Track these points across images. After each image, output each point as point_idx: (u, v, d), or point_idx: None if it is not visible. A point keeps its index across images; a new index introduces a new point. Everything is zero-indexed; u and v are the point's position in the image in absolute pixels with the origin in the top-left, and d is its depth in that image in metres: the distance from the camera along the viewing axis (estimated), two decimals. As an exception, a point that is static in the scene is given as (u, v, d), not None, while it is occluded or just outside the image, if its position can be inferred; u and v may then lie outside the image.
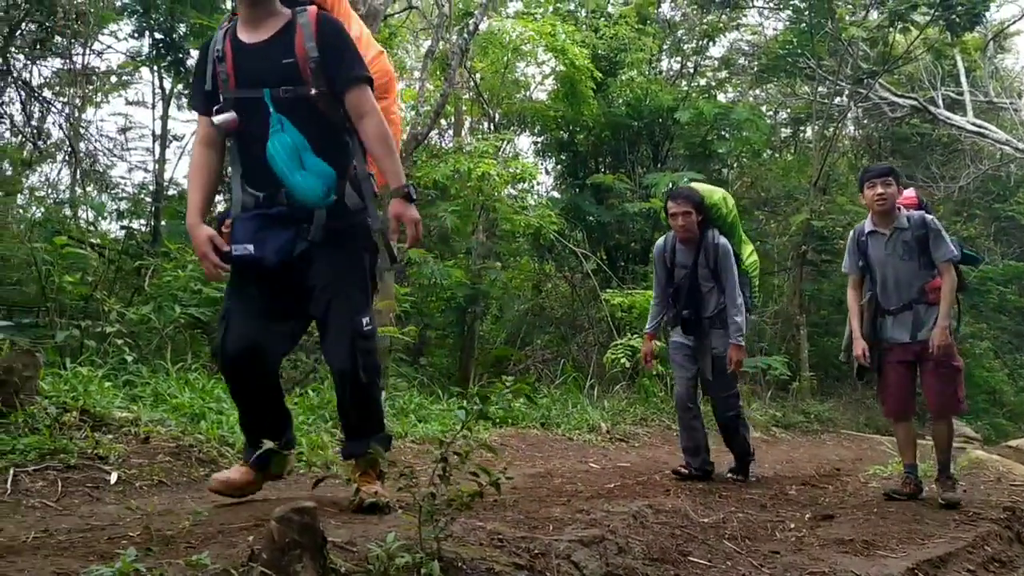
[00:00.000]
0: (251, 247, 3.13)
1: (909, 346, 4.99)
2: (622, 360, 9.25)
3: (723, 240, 5.49)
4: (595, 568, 2.85)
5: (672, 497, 4.55)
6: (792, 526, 4.31)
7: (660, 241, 5.79)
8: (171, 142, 9.91)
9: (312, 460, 4.62)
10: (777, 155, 18.19)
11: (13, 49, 8.42)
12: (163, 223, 8.57)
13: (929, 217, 5.04)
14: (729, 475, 5.69)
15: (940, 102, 16.32)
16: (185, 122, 31.65)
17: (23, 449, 3.64)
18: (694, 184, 5.93)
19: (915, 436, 5.32)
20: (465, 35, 9.98)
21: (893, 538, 4.10)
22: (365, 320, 3.23)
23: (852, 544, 3.93)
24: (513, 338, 12.23)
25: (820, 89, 15.76)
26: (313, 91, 3.15)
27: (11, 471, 3.43)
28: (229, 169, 3.46)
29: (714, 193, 5.63)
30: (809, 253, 14.40)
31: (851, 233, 5.34)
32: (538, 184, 13.63)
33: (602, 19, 13.42)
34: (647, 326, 5.90)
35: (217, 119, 3.18)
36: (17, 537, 2.67)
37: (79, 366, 5.04)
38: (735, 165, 16.32)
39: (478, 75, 13.63)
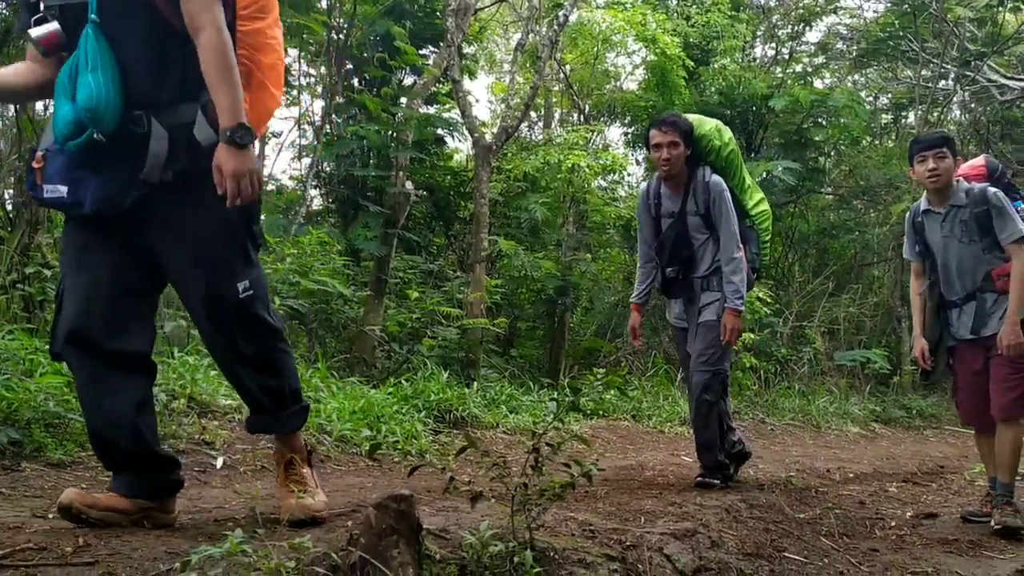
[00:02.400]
0: (63, 188, 2.51)
1: (976, 342, 4.22)
2: (714, 352, 9.10)
3: (716, 178, 4.51)
4: (688, 561, 2.83)
5: (766, 492, 4.47)
6: (892, 524, 4.20)
7: (643, 185, 4.87)
8: (269, 139, 10.21)
9: (407, 449, 4.71)
10: (877, 142, 17.57)
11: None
12: (263, 217, 8.84)
13: (992, 191, 4.17)
14: (699, 479, 4.51)
15: (1054, 83, 15.47)
16: (283, 119, 32.55)
17: (136, 434, 3.82)
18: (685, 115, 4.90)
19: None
20: (555, 27, 9.96)
21: (1000, 539, 3.94)
22: (242, 285, 2.63)
23: (957, 544, 3.80)
24: (603, 330, 12.17)
25: (924, 73, 15.14)
26: None
27: (125, 455, 3.61)
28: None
29: (705, 123, 4.68)
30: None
31: (907, 214, 4.59)
32: (628, 175, 13.51)
33: (694, 7, 13.20)
34: (633, 294, 4.94)
35: (35, 32, 2.53)
36: (132, 517, 2.81)
37: (186, 355, 5.26)
38: (832, 153, 15.83)
39: (568, 67, 13.60)
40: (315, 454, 4.23)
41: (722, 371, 4.53)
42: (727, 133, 4.67)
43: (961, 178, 4.31)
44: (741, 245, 4.48)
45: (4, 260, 6.10)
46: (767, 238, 4.86)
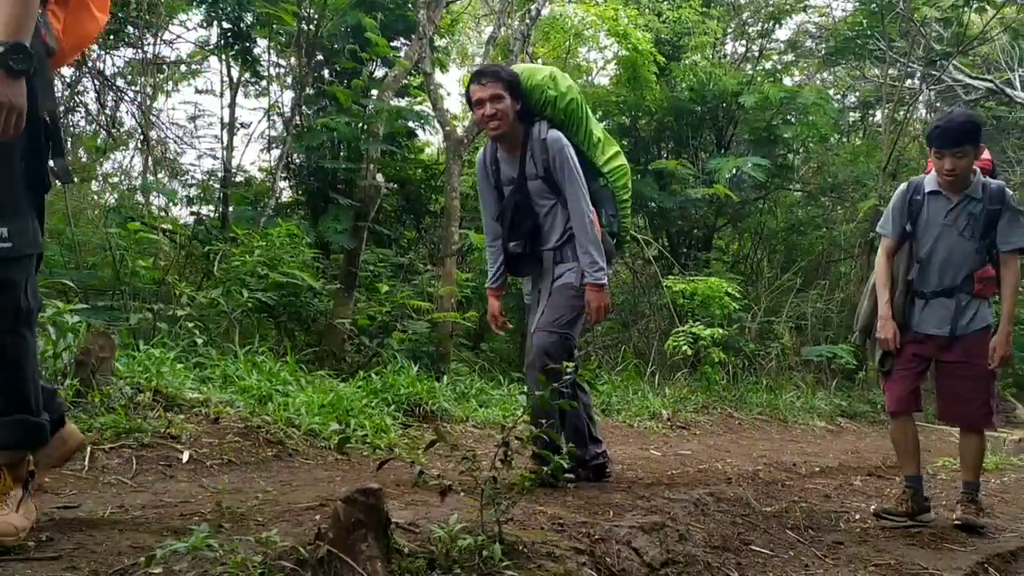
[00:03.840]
0: None
1: (939, 340, 4.05)
2: (684, 347, 9.16)
3: (554, 133, 3.93)
4: (655, 554, 2.85)
5: (734, 485, 4.51)
6: (857, 517, 4.26)
7: (480, 153, 4.26)
8: (238, 129, 10.09)
9: (376, 443, 4.70)
10: (845, 140, 17.76)
11: (88, 40, 8.65)
12: (231, 209, 8.75)
13: (1011, 194, 3.99)
14: (569, 477, 3.95)
15: (1017, 84, 15.72)
16: (252, 110, 32.33)
17: (100, 428, 3.78)
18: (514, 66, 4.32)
19: (917, 439, 4.23)
20: (527, 20, 9.94)
21: (961, 532, 4.01)
22: None
23: (919, 536, 3.86)
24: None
25: (891, 71, 15.32)
26: None
27: (88, 449, 3.56)
28: None
29: (537, 72, 4.06)
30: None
31: (903, 186, 4.22)
32: (599, 170, 13.54)
33: (665, 3, 13.25)
34: (488, 278, 4.36)
35: None
36: (95, 512, 2.78)
37: (152, 348, 5.20)
38: (801, 150, 15.96)
39: (540, 61, 13.59)
40: (283, 447, 4.21)
41: (570, 337, 3.95)
42: (565, 81, 4.08)
43: (978, 168, 4.05)
44: (592, 207, 3.94)
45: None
46: (626, 196, 4.30)
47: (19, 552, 2.18)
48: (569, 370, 3.03)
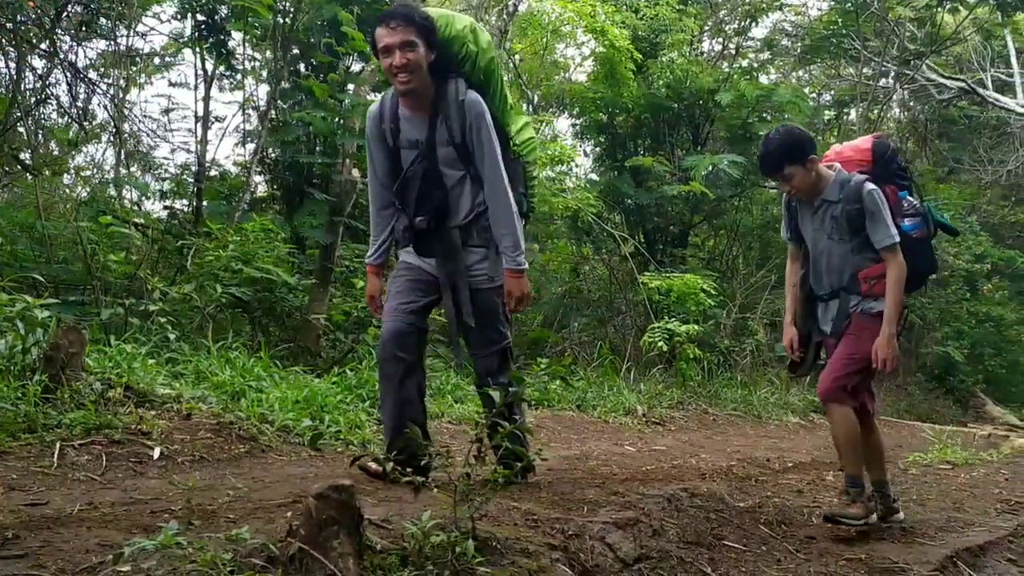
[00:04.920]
0: None
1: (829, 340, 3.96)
2: (659, 343, 9.21)
3: (474, 96, 3.46)
4: (629, 550, 2.86)
5: (707, 481, 4.54)
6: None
7: (374, 107, 3.67)
8: (213, 123, 9.96)
9: (349, 439, 4.67)
10: (820, 138, 17.91)
11: (59, 31, 8.54)
12: (205, 203, 8.67)
13: (868, 188, 3.74)
14: (374, 465, 3.50)
15: (989, 84, 15.93)
16: (226, 103, 32.04)
17: (69, 424, 3.73)
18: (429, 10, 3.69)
19: (858, 434, 3.92)
20: (504, 16, 9.94)
21: (932, 526, 4.06)
22: None
23: (889, 531, 3.90)
24: (550, 320, 12.22)
25: (865, 70, 15.47)
26: None
27: (58, 445, 3.52)
28: None
29: (457, 20, 3.57)
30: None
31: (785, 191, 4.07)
32: (577, 166, 13.53)
33: (642, 0, 13.29)
34: (368, 253, 3.91)
35: None
36: (63, 509, 2.74)
37: (123, 343, 5.14)
38: (777, 148, 16.10)
39: (517, 56, 13.58)
40: (256, 443, 4.18)
41: (507, 344, 3.70)
42: (484, 36, 3.62)
43: (839, 165, 3.91)
44: (508, 182, 3.54)
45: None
46: (535, 173, 3.97)
47: (-16, 550, 2.15)
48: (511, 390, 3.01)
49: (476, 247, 3.59)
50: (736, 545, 3.31)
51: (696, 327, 9.46)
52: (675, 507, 3.50)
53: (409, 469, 2.76)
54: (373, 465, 3.44)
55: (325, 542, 1.97)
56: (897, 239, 3.72)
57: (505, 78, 3.76)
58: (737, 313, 11.87)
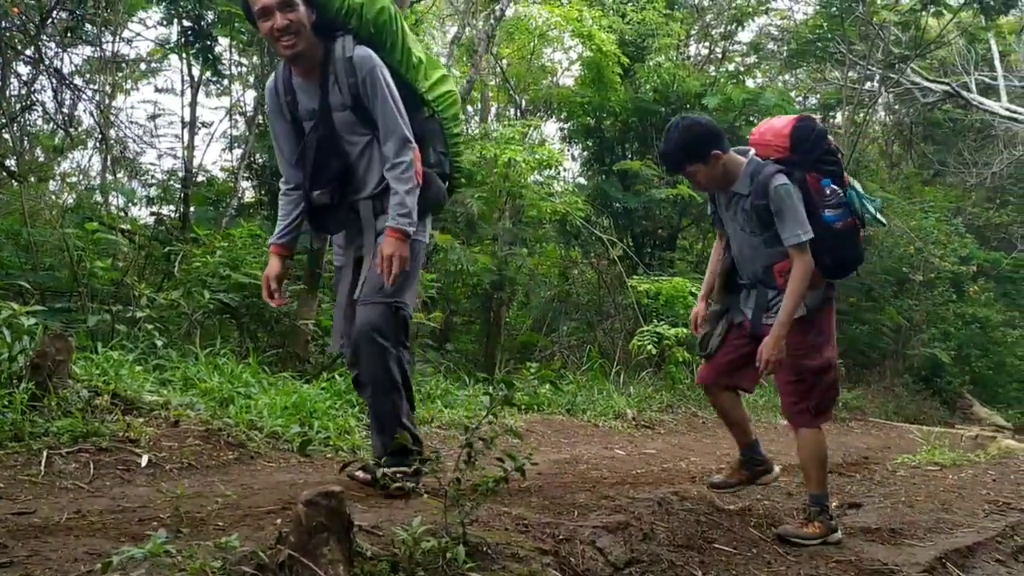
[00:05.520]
0: None
1: (753, 328, 3.71)
2: (648, 347, 9.22)
3: (362, 51, 3.20)
4: (620, 554, 2.86)
5: (698, 484, 4.54)
6: (819, 514, 4.29)
7: (271, 80, 3.43)
8: (199, 129, 9.97)
9: (339, 444, 4.66)
10: (806, 141, 17.98)
11: (44, 37, 8.50)
12: (192, 209, 8.65)
13: (776, 184, 3.46)
14: (361, 474, 3.39)
15: (973, 87, 16.05)
16: (213, 109, 31.97)
17: (56, 432, 3.71)
18: None
19: (735, 409, 3.97)
20: (492, 21, 9.95)
21: (920, 527, 4.07)
22: None
23: (879, 533, 3.92)
24: (539, 324, 12.23)
25: (850, 74, 15.56)
26: None
27: (45, 453, 3.50)
28: None
29: None
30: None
31: None
32: (564, 170, 13.59)
33: (629, 4, 13.33)
34: (275, 232, 3.54)
35: None
36: (51, 518, 2.72)
37: (110, 350, 5.11)
38: (764, 151, 16.16)
39: (504, 61, 13.60)
40: (244, 450, 4.16)
41: (403, 307, 3.28)
42: None
43: (753, 153, 3.64)
44: (413, 141, 3.24)
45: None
46: (456, 130, 3.60)
47: (-29, 560, 2.13)
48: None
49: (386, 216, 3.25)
50: (726, 548, 3.31)
51: (685, 330, 9.48)
52: (665, 510, 3.51)
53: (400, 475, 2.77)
54: (361, 473, 3.34)
55: (315, 549, 1.96)
56: (804, 238, 3.44)
57: (407, 28, 3.42)
58: (725, 316, 11.88)
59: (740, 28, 15.87)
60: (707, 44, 16.14)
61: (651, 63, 12.89)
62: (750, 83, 15.90)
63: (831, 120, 18.61)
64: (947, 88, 15.93)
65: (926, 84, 16.27)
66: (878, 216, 3.74)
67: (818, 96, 18.50)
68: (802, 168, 3.55)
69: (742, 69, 16.16)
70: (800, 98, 18.20)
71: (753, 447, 4.06)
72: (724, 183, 3.63)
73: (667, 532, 3.22)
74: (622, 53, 12.14)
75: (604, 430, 7.36)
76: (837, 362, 3.76)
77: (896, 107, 18.79)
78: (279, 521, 2.56)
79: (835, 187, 3.59)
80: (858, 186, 3.75)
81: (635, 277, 10.70)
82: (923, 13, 14.23)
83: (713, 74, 14.66)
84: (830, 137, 3.71)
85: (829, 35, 14.83)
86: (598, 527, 2.96)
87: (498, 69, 13.43)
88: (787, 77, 18.21)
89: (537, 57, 13.40)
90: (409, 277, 3.27)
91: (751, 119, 13.54)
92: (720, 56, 16.01)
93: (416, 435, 3.24)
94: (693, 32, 15.55)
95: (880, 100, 17.17)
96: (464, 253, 9.53)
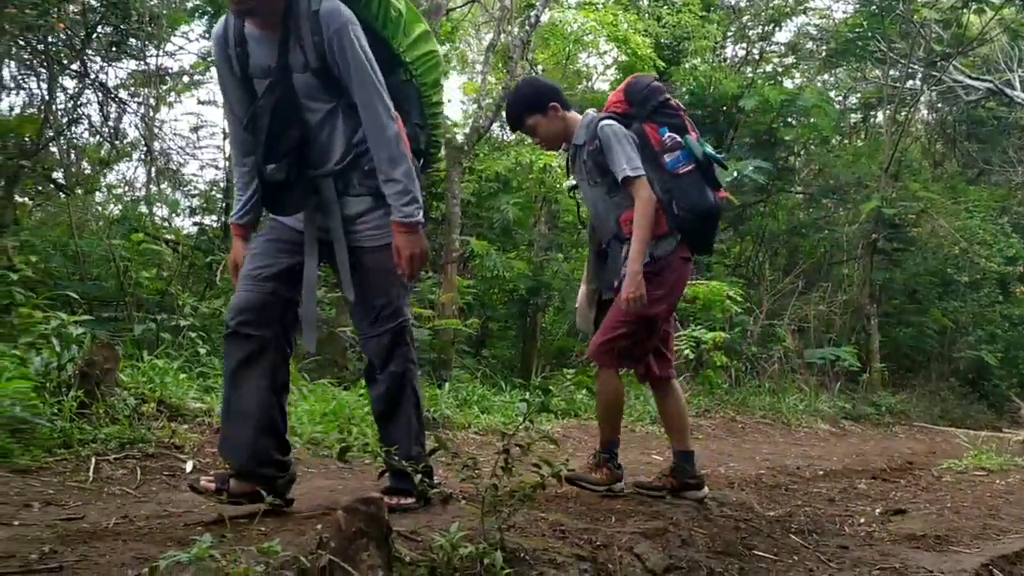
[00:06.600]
0: None
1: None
2: (685, 351, 9.17)
3: (331, 4, 2.71)
4: (658, 560, 2.85)
5: (736, 490, 4.51)
6: (862, 520, 4.25)
7: (219, 26, 2.89)
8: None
9: (378, 451, 4.70)
10: (846, 141, 17.77)
11: (90, 52, 8.70)
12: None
13: (605, 123, 3.55)
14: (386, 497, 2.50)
15: (1017, 84, 15.72)
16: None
17: (104, 438, 3.80)
18: None
19: (619, 401, 3.87)
20: (527, 27, 9.98)
21: (967, 533, 4.00)
22: None
23: (924, 539, 3.85)
24: (575, 330, 12.20)
25: (891, 73, 15.35)
26: None
27: (93, 460, 3.59)
28: None
29: None
30: (880, 241, 14.07)
31: None
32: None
33: (665, 7, 13.28)
34: (234, 209, 3.10)
35: None
36: (99, 523, 2.79)
37: (155, 358, 5.21)
38: (802, 152, 15.99)
39: (540, 67, 13.62)
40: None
41: (405, 322, 2.93)
42: None
43: (592, 111, 3.74)
44: (395, 113, 2.77)
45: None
46: (436, 98, 3.11)
47: (22, 564, 2.19)
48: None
49: (359, 196, 2.83)
50: (767, 555, 3.29)
51: (722, 334, 9.42)
52: (704, 516, 3.49)
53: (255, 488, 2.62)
54: (204, 481, 2.85)
55: (355, 554, 1.99)
56: (632, 173, 3.47)
57: None
58: (764, 320, 11.80)
59: (777, 28, 15.73)
60: (744, 45, 16.02)
61: (687, 66, 12.84)
62: (788, 84, 15.76)
63: (872, 120, 18.37)
64: (990, 85, 15.63)
65: (969, 82, 15.98)
66: (717, 157, 3.71)
67: (858, 95, 18.27)
68: (639, 119, 3.65)
69: (780, 70, 16.03)
70: (840, 97, 17.98)
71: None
72: (564, 138, 3.72)
73: (706, 538, 3.21)
74: (658, 56, 12.10)
75: (641, 435, 7.33)
76: (664, 320, 3.68)
77: (939, 105, 18.47)
78: (320, 526, 2.60)
79: (672, 134, 3.62)
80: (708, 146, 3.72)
81: (672, 281, 10.62)
82: (965, 10, 14.01)
83: (750, 75, 14.55)
84: (668, 95, 3.77)
85: (869, 33, 14.65)
86: (636, 533, 2.95)
87: (533, 75, 13.46)
88: (826, 77, 18.00)
89: (572, 62, 13.41)
90: (399, 282, 2.88)
91: (789, 120, 13.43)
92: (757, 57, 15.89)
93: (421, 453, 2.95)
94: (730, 33, 15.44)
95: (922, 98, 16.90)
96: (500, 259, 9.57)
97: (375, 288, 2.86)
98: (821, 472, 6.02)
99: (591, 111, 3.76)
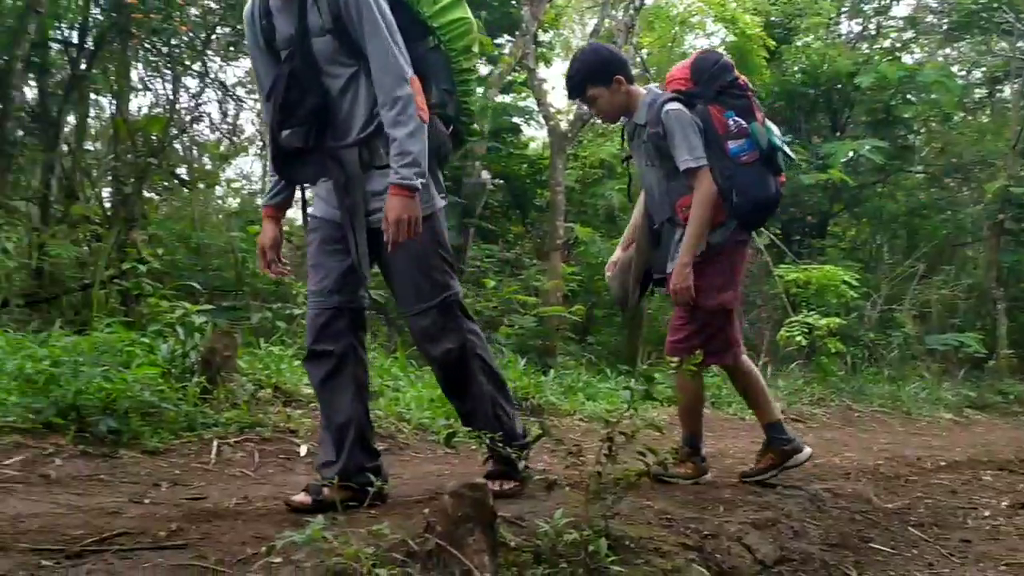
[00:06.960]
0: None
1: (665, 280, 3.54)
2: (798, 338, 8.92)
3: None
4: (768, 551, 2.79)
5: (852, 481, 4.37)
6: (987, 514, 4.05)
7: (248, 4, 2.83)
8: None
9: (483, 437, 4.76)
10: (970, 118, 16.88)
11: (209, 52, 9.08)
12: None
13: (670, 108, 3.40)
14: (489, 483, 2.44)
15: None
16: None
17: (225, 423, 3.98)
18: None
19: (698, 398, 3.83)
20: (631, 10, 9.85)
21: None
22: None
23: (1055, 535, 3.65)
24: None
25: (1019, 44, 14.48)
26: None
27: (215, 443, 3.77)
28: None
29: None
30: (1007, 222, 13.32)
31: None
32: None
33: (775, -16, 12.91)
34: (267, 192, 3.04)
35: None
36: (221, 503, 2.93)
37: (271, 346, 5.41)
38: (923, 130, 15.29)
39: (645, 51, 13.45)
40: (394, 441, 4.32)
41: (452, 295, 2.83)
42: None
43: (654, 87, 3.63)
44: (412, 75, 2.63)
45: (103, 256, 6.38)
46: (467, 64, 2.94)
47: (153, 541, 2.32)
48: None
49: (385, 167, 2.65)
50: (884, 548, 3.18)
51: (838, 320, 9.11)
52: (817, 508, 3.40)
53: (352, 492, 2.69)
54: (298, 498, 2.77)
55: (461, 538, 2.02)
56: (696, 164, 3.36)
57: None
58: (883, 304, 11.35)
59: (895, 2, 15.11)
60: (859, 20, 15.41)
61: (799, 43, 12.46)
62: (907, 59, 15.07)
63: (998, 94, 17.40)
64: None
65: (1106, 50, 14.94)
66: (786, 151, 3.61)
67: (983, 70, 17.31)
68: (704, 99, 3.50)
69: (898, 45, 15.35)
70: (963, 72, 17.09)
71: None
72: (625, 111, 3.57)
73: (819, 530, 3.13)
74: (768, 35, 11.77)
75: (750, 424, 7.15)
76: (735, 309, 3.59)
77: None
78: (427, 511, 2.65)
79: (738, 119, 3.48)
80: (774, 129, 3.58)
81: (782, 266, 10.36)
82: (1103, -27, 13.08)
83: (866, 52, 13.99)
84: (737, 72, 3.63)
85: (994, 4, 13.86)
86: (745, 523, 2.90)
87: (638, 59, 13.30)
88: (948, 51, 17.12)
89: (678, 45, 13.18)
90: (437, 256, 2.81)
91: (908, 97, 12.86)
92: (874, 32, 15.26)
93: (513, 426, 2.99)
94: (844, 9, 14.88)
95: (1054, 70, 15.90)
96: (605, 245, 9.51)
97: (411, 265, 2.76)
98: (943, 463, 5.76)
99: (653, 86, 3.66)
